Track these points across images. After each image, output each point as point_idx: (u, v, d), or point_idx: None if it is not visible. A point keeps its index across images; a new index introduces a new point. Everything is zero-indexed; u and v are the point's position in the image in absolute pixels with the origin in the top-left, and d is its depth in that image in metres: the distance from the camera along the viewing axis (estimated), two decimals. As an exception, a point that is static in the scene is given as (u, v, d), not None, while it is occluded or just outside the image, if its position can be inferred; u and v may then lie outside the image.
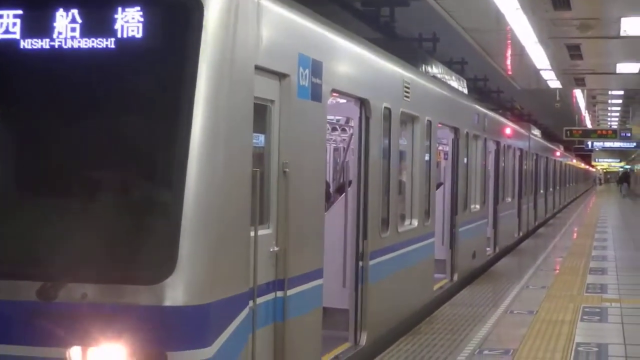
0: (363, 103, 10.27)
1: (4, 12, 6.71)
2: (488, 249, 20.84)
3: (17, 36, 6.69)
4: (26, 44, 6.67)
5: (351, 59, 9.99)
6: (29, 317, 6.32)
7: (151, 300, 6.22)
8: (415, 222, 13.00)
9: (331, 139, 17.93)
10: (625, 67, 27.05)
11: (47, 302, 6.28)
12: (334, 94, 9.58)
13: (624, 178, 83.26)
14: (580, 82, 31.54)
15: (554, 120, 52.35)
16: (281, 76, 7.73)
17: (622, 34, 19.93)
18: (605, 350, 10.99)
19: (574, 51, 23.44)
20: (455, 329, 12.27)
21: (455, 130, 16.44)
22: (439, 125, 14.80)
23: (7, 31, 6.70)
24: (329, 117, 12.58)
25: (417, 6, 18.84)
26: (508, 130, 24.11)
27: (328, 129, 15.09)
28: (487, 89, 34.02)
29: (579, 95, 40.16)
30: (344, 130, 16.29)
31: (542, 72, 28.34)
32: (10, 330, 6.38)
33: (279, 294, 7.74)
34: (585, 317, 13.30)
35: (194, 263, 6.28)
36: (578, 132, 48.62)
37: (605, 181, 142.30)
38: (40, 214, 6.73)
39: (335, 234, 10.43)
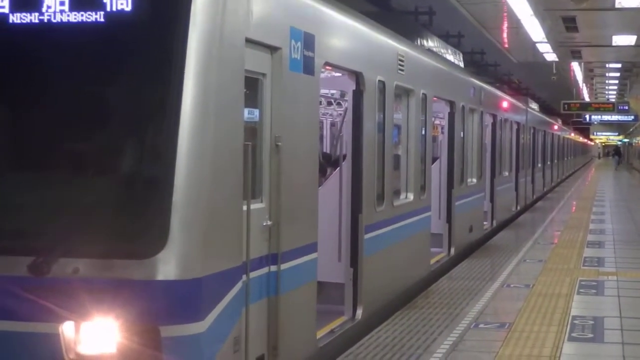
0: (357, 76, 10.22)
1: None
2: (485, 222, 20.83)
3: (6, 10, 6.63)
4: (15, 18, 6.61)
5: (344, 32, 9.93)
6: (20, 293, 6.29)
7: (143, 274, 6.20)
8: (410, 196, 12.97)
9: (327, 113, 17.92)
10: (621, 39, 26.95)
11: (39, 277, 6.26)
12: (327, 67, 9.53)
13: (615, 152, 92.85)
14: (576, 55, 31.47)
15: (552, 93, 52.24)
16: (272, 49, 7.67)
17: (617, 5, 19.84)
18: (602, 323, 10.98)
19: (570, 23, 23.37)
20: (451, 302, 12.26)
21: (451, 104, 16.39)
22: (435, 98, 14.75)
23: (-5, 5, 6.64)
24: (323, 90, 12.57)
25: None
26: (505, 104, 24.04)
27: (323, 103, 15.10)
28: (484, 63, 33.90)
29: (576, 68, 40.07)
30: (339, 104, 16.27)
31: (538, 45, 28.27)
32: (1, 306, 6.35)
33: (273, 268, 7.72)
34: (581, 290, 13.29)
35: (185, 237, 6.26)
36: (576, 106, 48.44)
37: (605, 155, 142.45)
38: (31, 188, 6.71)
39: (330, 207, 10.40)
